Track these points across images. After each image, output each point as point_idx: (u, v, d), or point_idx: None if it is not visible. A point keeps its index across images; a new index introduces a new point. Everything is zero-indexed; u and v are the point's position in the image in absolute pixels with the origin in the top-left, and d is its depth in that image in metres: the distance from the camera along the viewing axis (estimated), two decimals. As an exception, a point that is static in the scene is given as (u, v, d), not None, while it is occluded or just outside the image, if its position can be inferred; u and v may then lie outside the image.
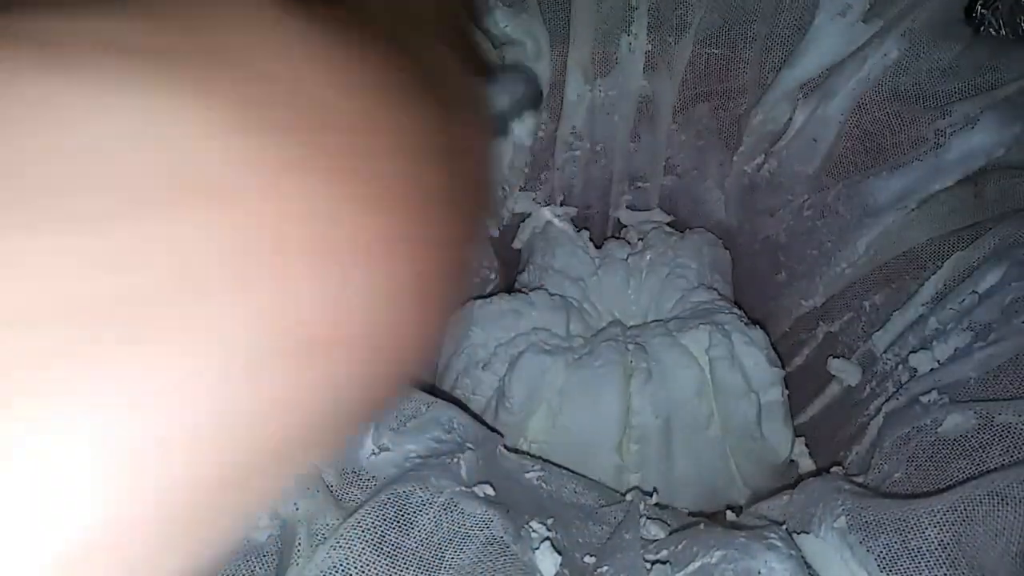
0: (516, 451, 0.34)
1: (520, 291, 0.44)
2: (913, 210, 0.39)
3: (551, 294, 0.43)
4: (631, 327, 0.43)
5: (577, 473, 0.35)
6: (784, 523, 0.30)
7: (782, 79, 0.42)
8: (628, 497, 0.34)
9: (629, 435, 0.38)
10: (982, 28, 0.41)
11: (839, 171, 0.42)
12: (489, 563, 0.26)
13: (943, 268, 0.37)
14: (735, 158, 0.45)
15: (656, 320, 0.43)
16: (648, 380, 0.38)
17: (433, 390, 0.41)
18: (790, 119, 0.42)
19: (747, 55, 0.43)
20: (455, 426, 0.31)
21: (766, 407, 0.39)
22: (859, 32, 0.40)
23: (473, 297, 0.44)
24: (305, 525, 0.25)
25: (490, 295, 0.43)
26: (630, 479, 0.38)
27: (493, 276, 0.47)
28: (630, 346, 0.40)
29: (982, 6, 0.41)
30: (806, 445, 0.41)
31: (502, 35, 0.42)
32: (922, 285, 0.38)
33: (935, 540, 0.26)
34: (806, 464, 0.41)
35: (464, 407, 0.35)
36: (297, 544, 0.25)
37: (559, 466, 0.34)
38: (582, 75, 0.43)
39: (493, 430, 0.35)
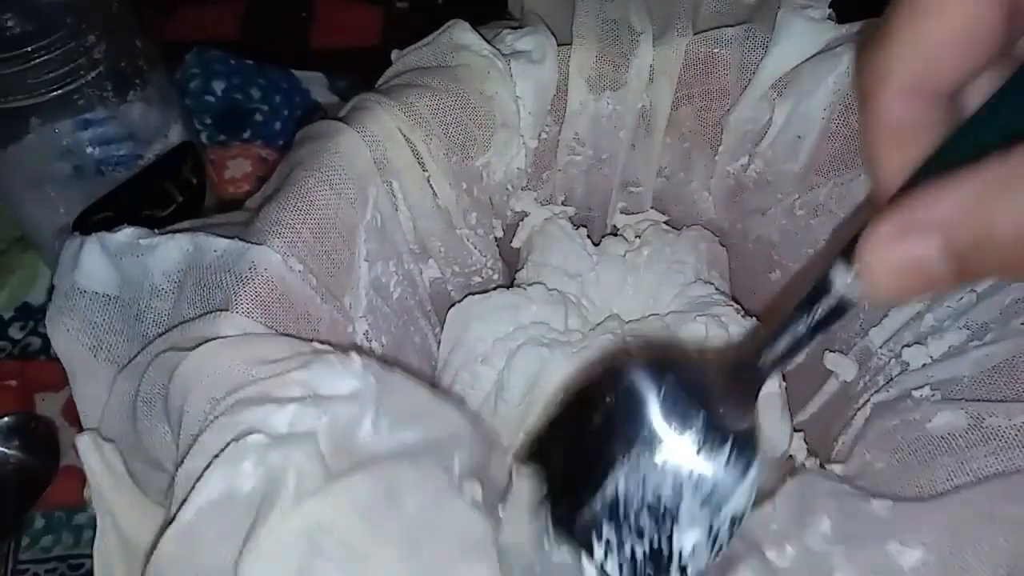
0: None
1: (519, 287, 0.44)
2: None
3: (549, 289, 0.43)
4: (629, 321, 0.43)
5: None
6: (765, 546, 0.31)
7: (757, 77, 0.42)
8: None
9: (628, 427, 0.38)
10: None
11: (828, 169, 0.42)
12: (467, 561, 0.26)
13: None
14: (716, 158, 0.45)
15: (654, 314, 0.43)
16: (647, 372, 0.38)
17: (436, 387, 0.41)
18: (770, 119, 0.42)
19: (727, 56, 0.43)
20: (451, 421, 0.31)
21: (763, 398, 0.39)
22: (826, 29, 0.41)
23: (471, 293, 0.44)
24: (295, 475, 0.25)
25: (490, 293, 0.44)
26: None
27: (496, 276, 0.47)
28: (628, 339, 0.40)
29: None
30: (805, 441, 0.42)
31: (509, 49, 0.43)
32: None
33: (921, 559, 0.26)
34: (803, 458, 0.41)
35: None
36: (284, 491, 0.25)
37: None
38: (585, 84, 0.43)
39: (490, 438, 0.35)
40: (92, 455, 0.31)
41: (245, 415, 0.27)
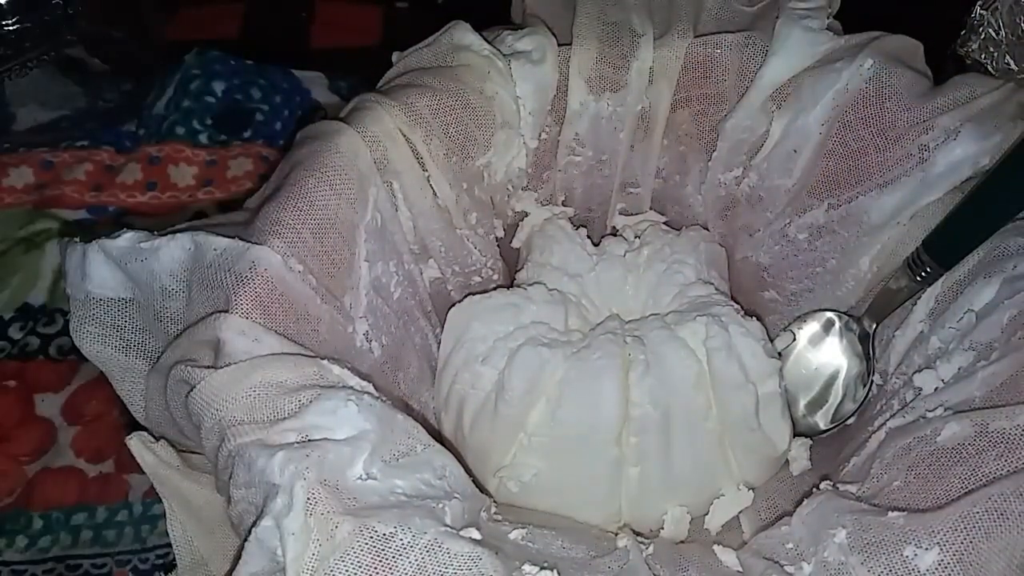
0: (499, 518, 0.34)
1: (519, 287, 0.44)
2: (905, 225, 0.39)
3: (549, 289, 0.43)
4: (629, 321, 0.43)
5: (563, 528, 0.35)
6: (782, 563, 0.31)
7: (755, 85, 0.42)
8: (620, 543, 0.33)
9: (628, 427, 0.38)
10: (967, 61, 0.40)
11: (821, 189, 0.42)
12: None
13: (935, 283, 0.38)
14: (710, 164, 0.45)
15: (654, 314, 0.43)
16: (646, 372, 0.39)
17: (439, 437, 0.41)
18: (767, 131, 0.42)
19: (726, 61, 0.43)
20: (446, 474, 0.31)
21: (763, 398, 0.39)
22: (824, 40, 0.41)
23: (471, 293, 0.44)
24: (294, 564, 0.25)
25: (491, 293, 0.44)
26: (630, 472, 0.39)
27: (496, 276, 0.47)
28: (628, 339, 0.40)
29: (981, 7, 0.40)
30: (809, 449, 0.42)
31: (509, 49, 0.43)
32: (915, 303, 0.39)
33: (936, 560, 0.27)
34: (801, 465, 0.41)
35: (460, 459, 0.35)
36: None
37: (543, 527, 0.34)
38: (585, 85, 0.43)
39: (483, 490, 0.35)
40: (145, 453, 0.32)
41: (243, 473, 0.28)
